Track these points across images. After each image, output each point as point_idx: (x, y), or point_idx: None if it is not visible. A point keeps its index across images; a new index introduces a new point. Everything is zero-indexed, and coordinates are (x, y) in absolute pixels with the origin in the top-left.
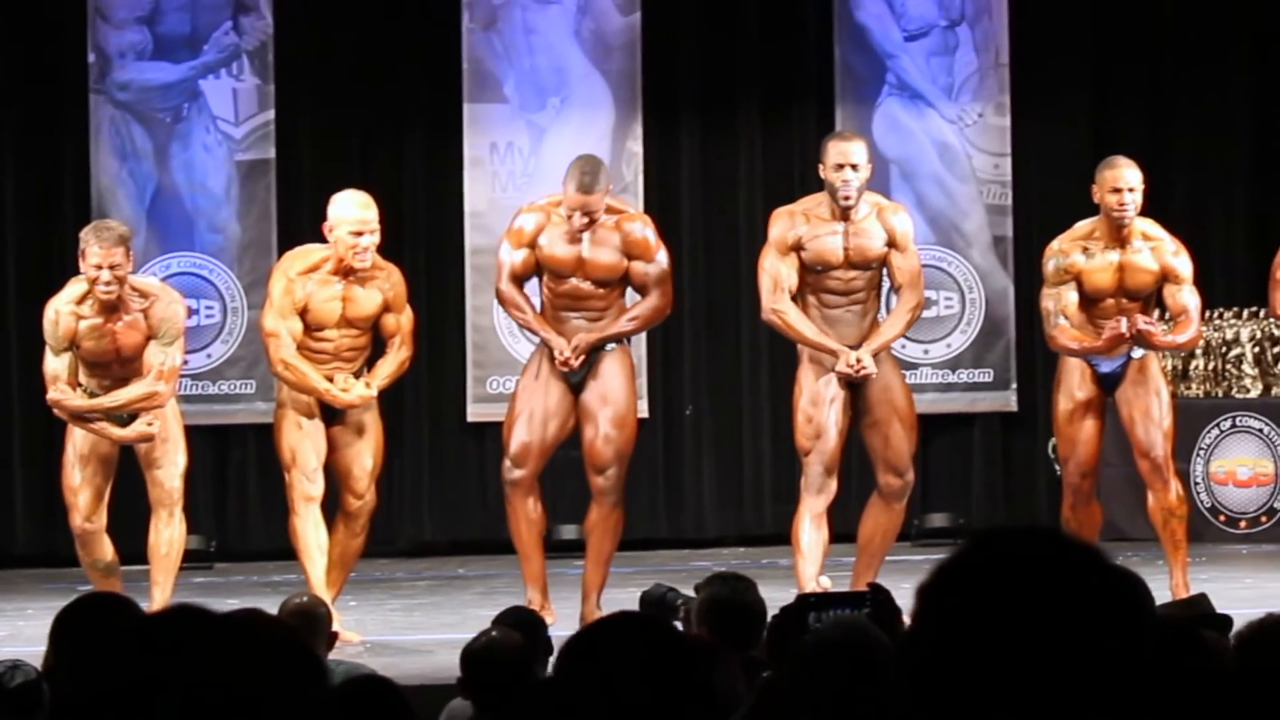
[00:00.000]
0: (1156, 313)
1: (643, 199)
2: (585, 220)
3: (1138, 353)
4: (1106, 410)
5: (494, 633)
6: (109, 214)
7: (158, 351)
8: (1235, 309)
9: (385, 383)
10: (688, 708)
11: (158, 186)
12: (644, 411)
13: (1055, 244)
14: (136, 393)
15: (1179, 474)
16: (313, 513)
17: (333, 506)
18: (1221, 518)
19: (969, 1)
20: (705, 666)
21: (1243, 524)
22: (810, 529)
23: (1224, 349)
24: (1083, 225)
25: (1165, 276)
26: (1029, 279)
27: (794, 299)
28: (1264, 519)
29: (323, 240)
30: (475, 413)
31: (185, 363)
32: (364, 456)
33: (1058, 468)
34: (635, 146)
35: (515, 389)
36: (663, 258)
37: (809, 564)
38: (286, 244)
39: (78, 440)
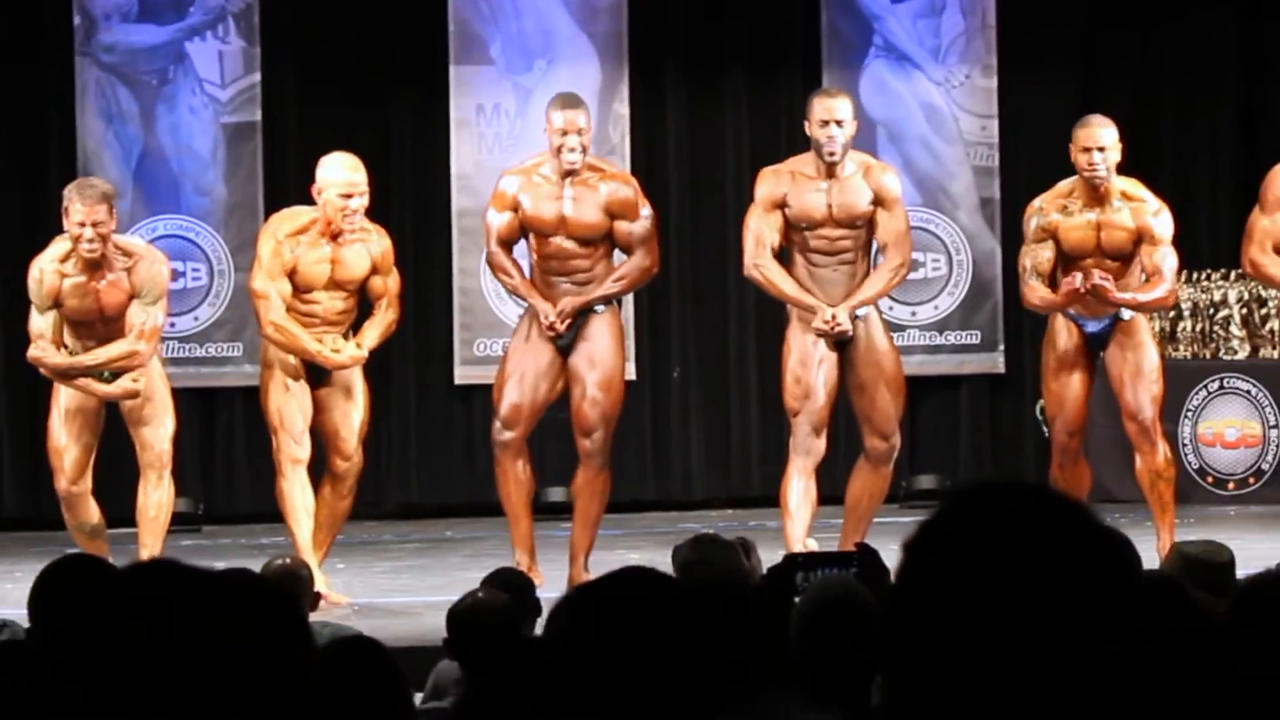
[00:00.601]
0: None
1: (629, 161)
2: (576, 146)
3: (1126, 314)
4: (1096, 371)
5: (480, 593)
6: (95, 176)
7: (139, 311)
8: (1223, 270)
9: (374, 344)
10: (687, 666)
11: (144, 149)
12: (631, 374)
13: (1036, 202)
14: (116, 351)
15: (1166, 436)
16: (299, 475)
17: (320, 469)
18: (1209, 479)
19: None
20: (705, 623)
21: (1230, 485)
22: (798, 490)
23: (1211, 310)
24: (1064, 185)
25: (1142, 236)
26: (1016, 241)
27: (781, 258)
28: (1252, 480)
29: (310, 202)
30: (462, 375)
31: (172, 324)
32: (351, 418)
33: (1045, 429)
34: (622, 109)
35: (505, 351)
36: (647, 216)
37: (797, 525)
38: (273, 207)
39: (63, 402)
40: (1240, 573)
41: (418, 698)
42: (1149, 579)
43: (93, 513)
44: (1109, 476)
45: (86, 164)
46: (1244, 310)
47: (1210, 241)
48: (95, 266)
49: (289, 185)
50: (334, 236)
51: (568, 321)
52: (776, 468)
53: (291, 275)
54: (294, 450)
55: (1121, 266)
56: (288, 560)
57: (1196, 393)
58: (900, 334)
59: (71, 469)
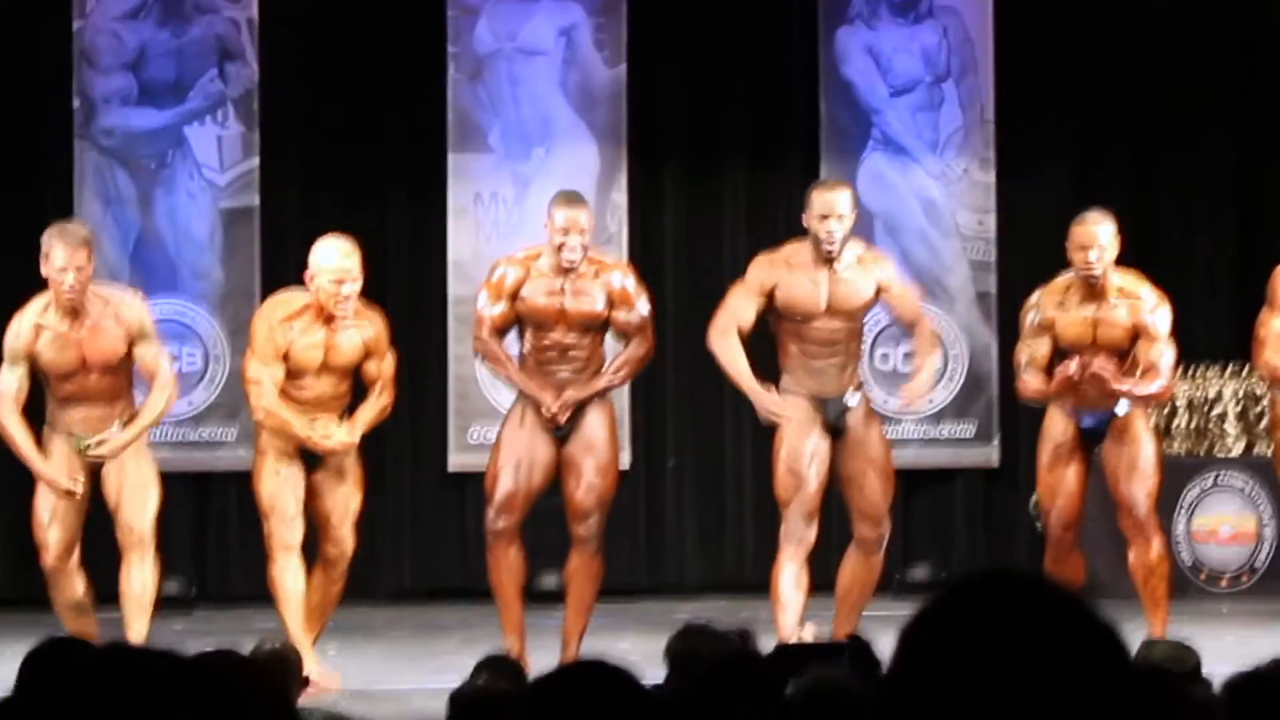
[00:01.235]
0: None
1: (626, 250)
2: (576, 246)
3: (1122, 409)
4: (1091, 464)
5: (481, 680)
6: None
7: (146, 352)
8: (1219, 365)
9: (367, 428)
10: None
11: (141, 232)
12: (626, 463)
13: (1033, 297)
14: (159, 405)
15: (1162, 530)
16: (291, 561)
17: (312, 552)
18: (1203, 575)
19: (955, 58)
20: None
21: (1224, 581)
22: (789, 580)
23: (1206, 406)
24: (1060, 280)
25: (1139, 333)
26: (1012, 334)
27: (774, 346)
28: (1245, 577)
29: (305, 286)
30: (456, 462)
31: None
32: (343, 504)
33: (1039, 523)
34: (620, 198)
35: (498, 438)
36: (644, 305)
37: (788, 615)
38: (270, 291)
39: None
40: (1232, 671)
41: None
42: (1146, 672)
43: (78, 589)
44: (1103, 570)
45: None
46: (1239, 406)
47: (1206, 335)
48: (74, 314)
49: (287, 270)
50: (328, 321)
51: (568, 413)
52: (770, 556)
53: (285, 359)
54: (285, 536)
55: (1118, 362)
56: (278, 645)
57: (1191, 488)
58: (895, 426)
59: (56, 545)
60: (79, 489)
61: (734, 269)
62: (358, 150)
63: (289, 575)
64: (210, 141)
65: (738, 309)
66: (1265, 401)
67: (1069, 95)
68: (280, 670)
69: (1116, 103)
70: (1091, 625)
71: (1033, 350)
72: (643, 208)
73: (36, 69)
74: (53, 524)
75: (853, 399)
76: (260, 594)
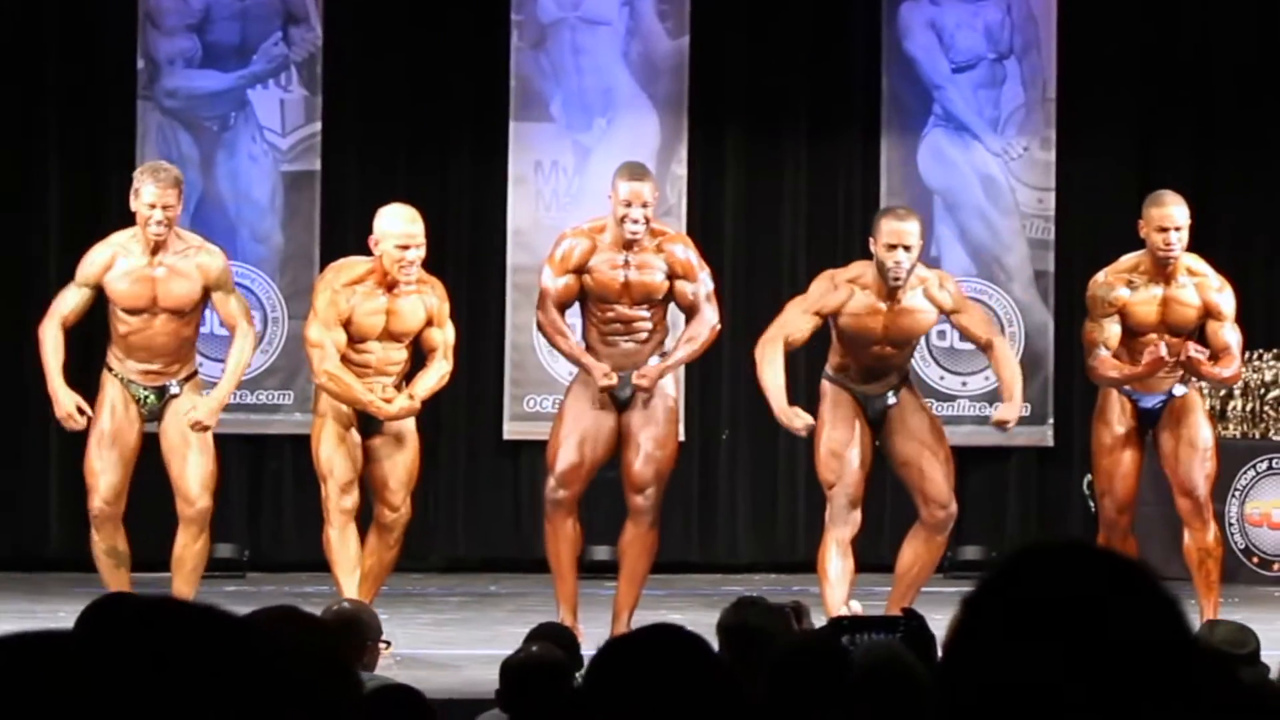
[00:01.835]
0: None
1: (686, 221)
2: (640, 219)
3: (1179, 390)
4: (1146, 448)
5: (534, 647)
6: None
7: (223, 302)
8: (1275, 350)
9: (426, 395)
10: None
11: (202, 194)
12: (681, 435)
13: (1100, 276)
14: (244, 355)
15: (1216, 515)
16: (348, 525)
17: (367, 518)
18: (1255, 559)
19: (1017, 35)
20: (734, 681)
21: (1276, 566)
22: (836, 557)
23: (1262, 390)
24: (1128, 259)
25: (1208, 313)
26: (1069, 314)
27: (830, 360)
28: None
29: (367, 252)
30: (512, 430)
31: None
32: (400, 469)
33: (1092, 504)
34: (680, 169)
35: (561, 409)
36: (706, 277)
37: (836, 591)
38: (329, 256)
39: (103, 423)
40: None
41: None
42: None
43: (121, 538)
44: (1155, 554)
45: None
46: None
47: (1264, 320)
48: (155, 252)
49: (346, 234)
50: (390, 287)
51: (654, 385)
52: (821, 534)
53: (346, 325)
54: (342, 500)
55: (1182, 341)
56: (347, 604)
57: (1245, 472)
58: (950, 404)
59: (106, 490)
60: (79, 425)
61: (792, 241)
62: (419, 117)
63: (345, 539)
64: (273, 105)
65: (792, 324)
66: None
67: (1132, 76)
68: (347, 632)
69: (1179, 84)
70: (1160, 595)
71: (1105, 331)
72: (703, 179)
73: (102, 30)
74: (104, 470)
75: (893, 397)
76: (313, 559)
